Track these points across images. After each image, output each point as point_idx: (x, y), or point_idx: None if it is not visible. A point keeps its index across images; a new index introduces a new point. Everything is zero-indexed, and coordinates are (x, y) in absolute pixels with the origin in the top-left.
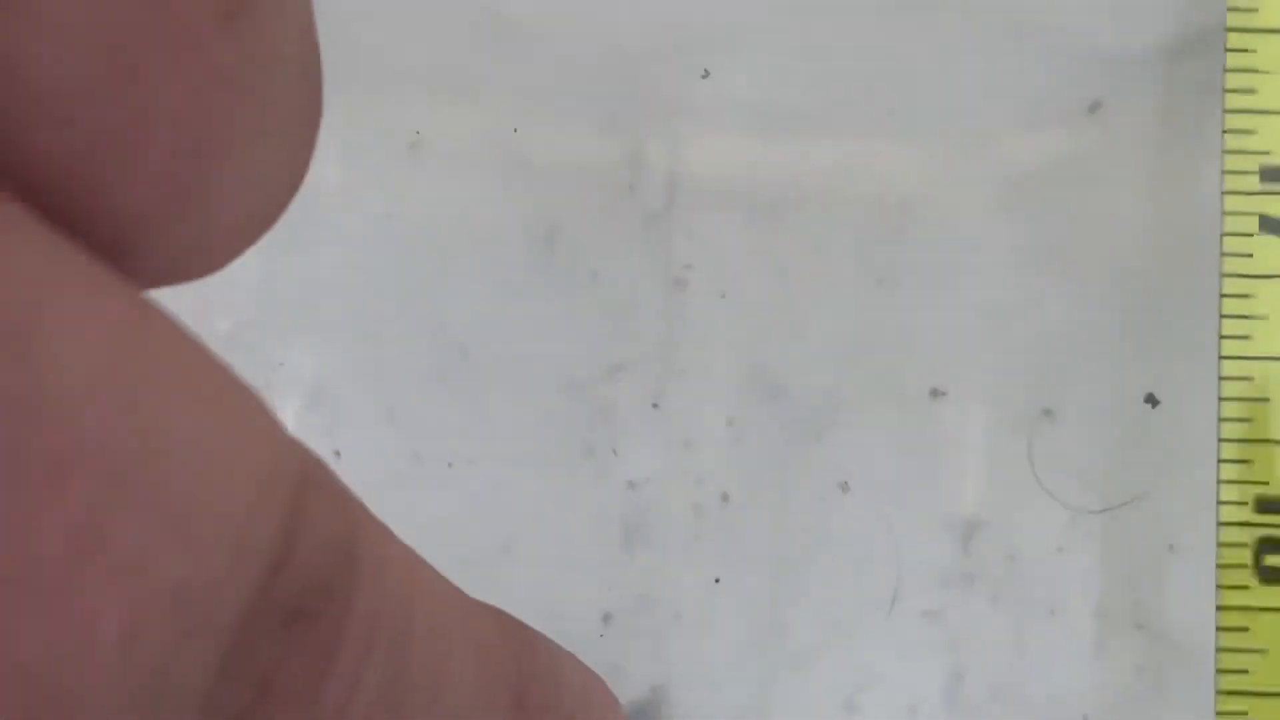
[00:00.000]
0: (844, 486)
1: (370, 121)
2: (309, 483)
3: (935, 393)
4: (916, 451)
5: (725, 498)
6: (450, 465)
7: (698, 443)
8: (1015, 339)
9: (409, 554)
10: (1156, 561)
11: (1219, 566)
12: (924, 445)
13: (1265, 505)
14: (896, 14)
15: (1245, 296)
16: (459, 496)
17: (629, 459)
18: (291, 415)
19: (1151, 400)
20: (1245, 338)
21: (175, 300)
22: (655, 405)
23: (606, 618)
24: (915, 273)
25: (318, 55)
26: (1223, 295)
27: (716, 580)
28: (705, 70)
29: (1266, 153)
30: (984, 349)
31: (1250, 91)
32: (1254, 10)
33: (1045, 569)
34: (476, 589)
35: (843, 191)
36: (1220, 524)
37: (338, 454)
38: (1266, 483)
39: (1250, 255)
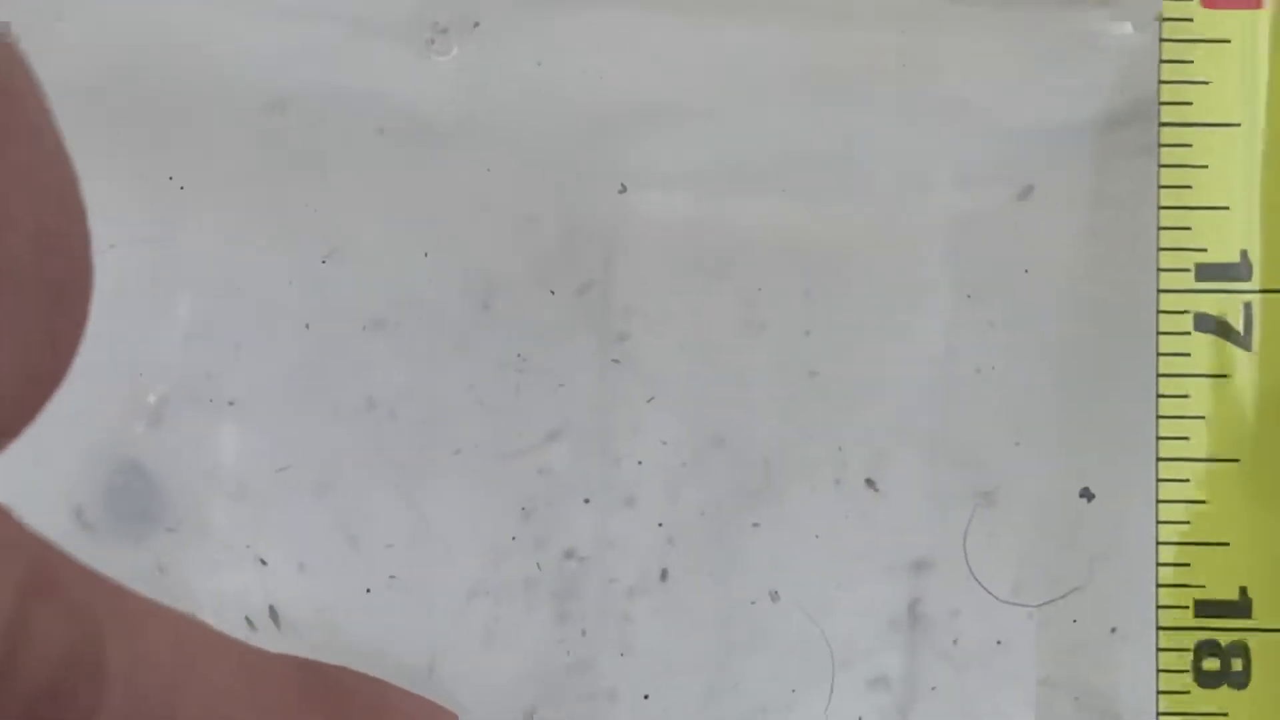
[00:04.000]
0: (774, 595)
1: (296, 192)
2: (34, 590)
3: (870, 482)
4: (853, 541)
5: (664, 574)
6: (388, 546)
7: (637, 511)
8: (951, 426)
9: (177, 636)
10: (1100, 645)
11: (1159, 671)
12: (860, 535)
13: (1204, 609)
14: (827, 94)
15: (1182, 396)
16: (388, 576)
17: (566, 529)
18: (223, 492)
19: (1087, 494)
20: (1183, 439)
21: (100, 374)
22: (594, 471)
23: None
24: (847, 362)
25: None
26: (1159, 395)
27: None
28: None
29: (1202, 249)
30: (919, 435)
31: (1185, 187)
32: (1188, 104)
33: (985, 662)
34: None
35: (776, 263)
36: (1159, 628)
37: (258, 558)
38: (1204, 585)
39: (1187, 355)
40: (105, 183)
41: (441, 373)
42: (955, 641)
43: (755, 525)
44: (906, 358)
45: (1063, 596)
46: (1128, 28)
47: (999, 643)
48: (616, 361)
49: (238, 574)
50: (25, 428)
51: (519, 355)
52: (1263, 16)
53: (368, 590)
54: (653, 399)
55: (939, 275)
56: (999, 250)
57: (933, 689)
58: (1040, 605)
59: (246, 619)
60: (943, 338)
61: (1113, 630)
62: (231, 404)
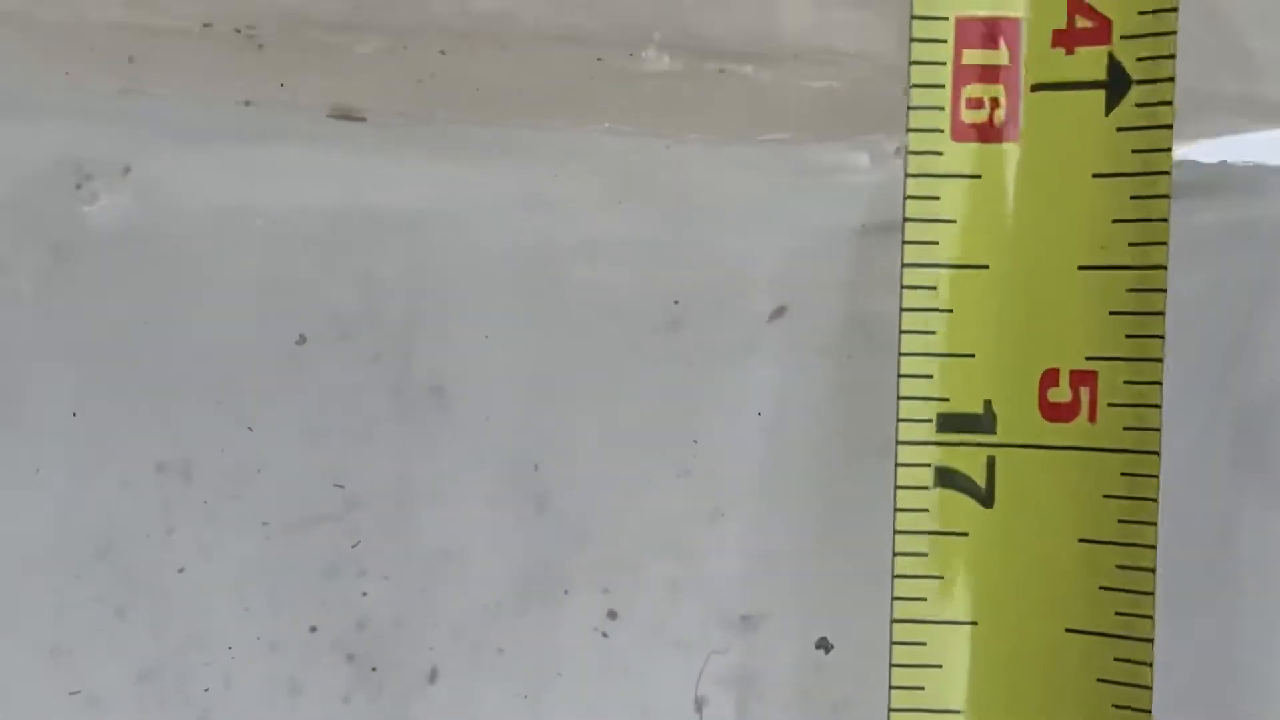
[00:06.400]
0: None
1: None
2: None
3: (611, 614)
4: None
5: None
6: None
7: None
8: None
9: None
10: None
11: None
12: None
13: None
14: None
15: (919, 555)
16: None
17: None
18: None
19: (824, 645)
20: (919, 600)
21: None
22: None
23: None
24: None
25: None
26: (896, 554)
27: None
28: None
29: (945, 399)
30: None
31: (929, 333)
32: (934, 244)
33: None
34: None
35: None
36: None
37: None
38: None
39: (925, 510)
40: None
41: None
42: None
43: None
44: (659, 499)
45: None
46: (864, 160)
47: None
48: None
49: None
50: None
51: None
52: (1013, 151)
53: None
54: None
55: (689, 407)
56: (735, 387)
57: None
58: None
59: None
60: (693, 473)
61: None
62: None
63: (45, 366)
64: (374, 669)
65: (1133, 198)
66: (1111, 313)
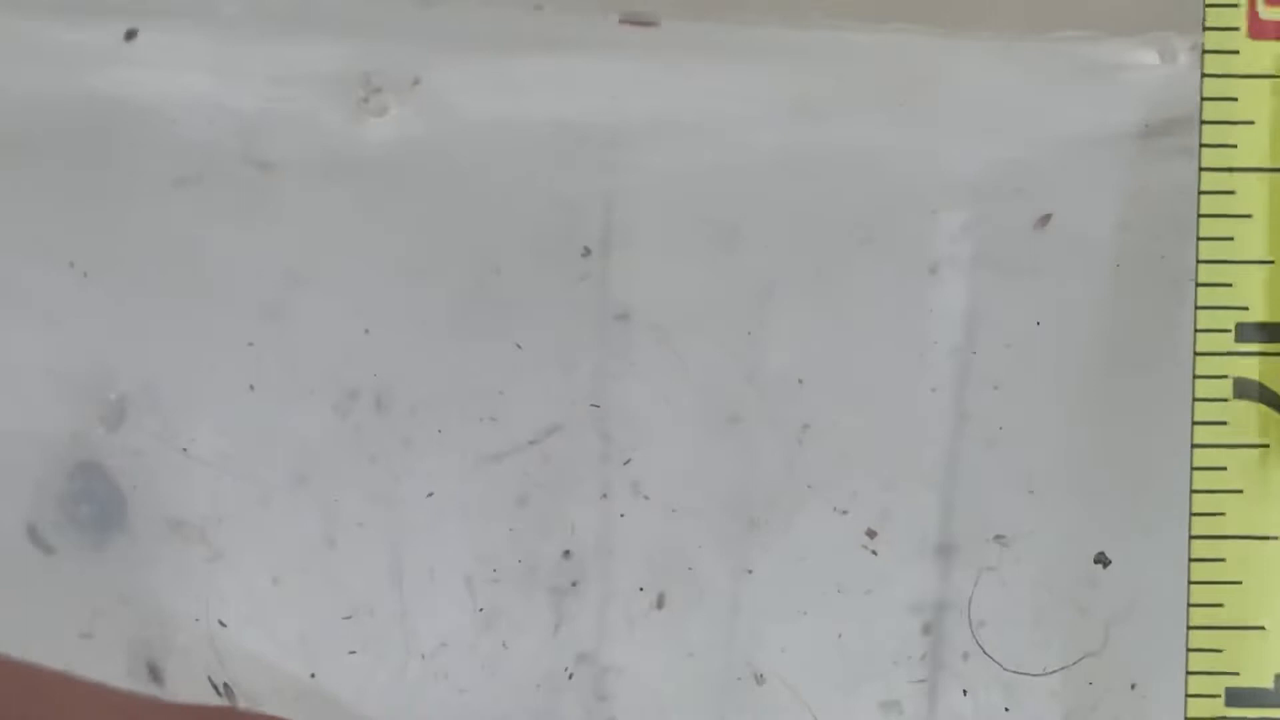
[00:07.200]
0: (759, 678)
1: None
2: None
3: (871, 532)
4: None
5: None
6: (363, 527)
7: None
8: (961, 475)
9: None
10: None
11: None
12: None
13: (1237, 698)
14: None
15: (1218, 469)
16: (378, 567)
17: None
18: (194, 489)
19: (1102, 560)
20: (1218, 514)
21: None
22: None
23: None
24: (846, 411)
25: None
26: (1194, 468)
27: None
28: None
29: (1244, 308)
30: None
31: (1227, 239)
32: (1232, 147)
33: None
34: None
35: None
36: (1188, 719)
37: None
38: (1238, 673)
39: (1224, 423)
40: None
41: None
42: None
43: (749, 571)
44: (909, 415)
45: (1075, 663)
46: (1153, 57)
47: (1006, 710)
48: None
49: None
50: None
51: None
52: None
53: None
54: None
55: (946, 320)
56: (1011, 292)
57: None
58: (1046, 674)
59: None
60: (948, 389)
61: (1133, 687)
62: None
63: (327, 275)
64: (597, 593)
65: None
66: None
